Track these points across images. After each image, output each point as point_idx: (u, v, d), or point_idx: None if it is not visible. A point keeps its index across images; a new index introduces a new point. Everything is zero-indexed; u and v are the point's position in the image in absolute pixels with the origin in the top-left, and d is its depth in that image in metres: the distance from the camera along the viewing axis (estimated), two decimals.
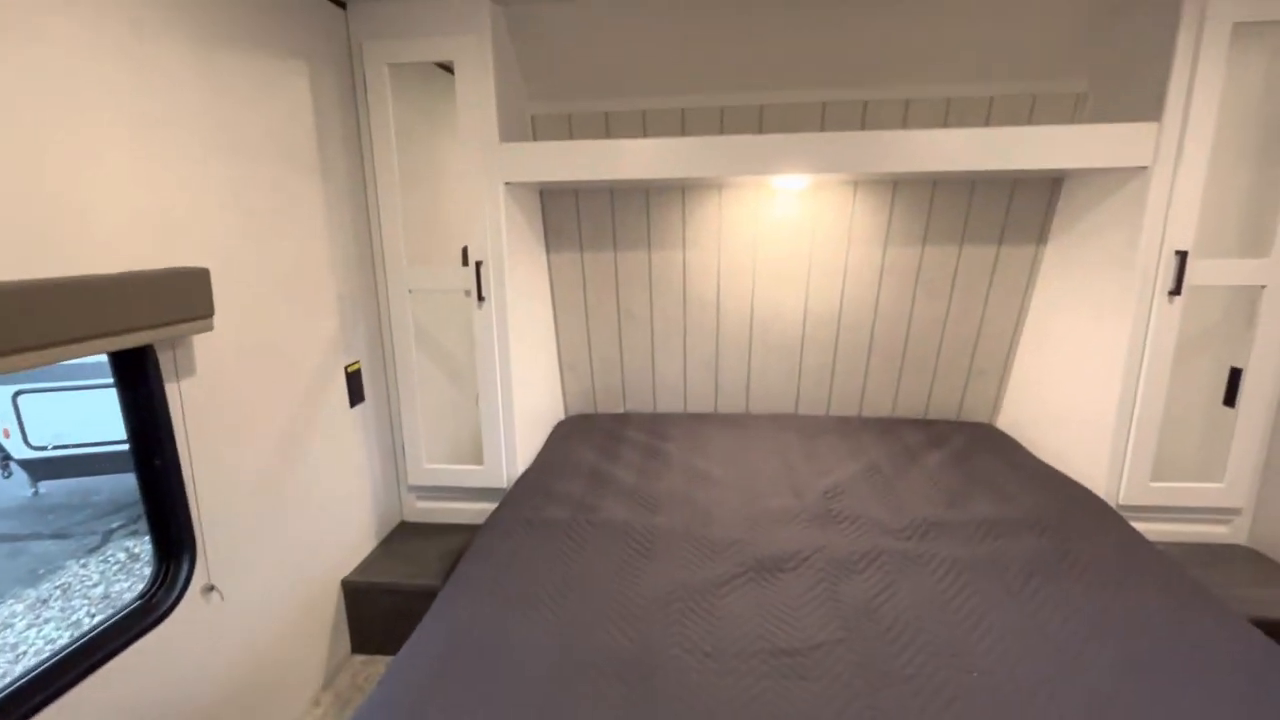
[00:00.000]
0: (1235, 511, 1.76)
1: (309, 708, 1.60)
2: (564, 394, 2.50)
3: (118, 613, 1.15)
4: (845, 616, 1.25)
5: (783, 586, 1.35)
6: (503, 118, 1.79)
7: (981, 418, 2.35)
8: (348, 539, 1.79)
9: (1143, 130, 1.58)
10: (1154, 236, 1.60)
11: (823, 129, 2.02)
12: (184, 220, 1.22)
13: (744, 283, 2.27)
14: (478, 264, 1.81)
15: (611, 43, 1.88)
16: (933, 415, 2.37)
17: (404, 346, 1.90)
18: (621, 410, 2.51)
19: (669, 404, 2.49)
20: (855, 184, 2.11)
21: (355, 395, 1.79)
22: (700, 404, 2.48)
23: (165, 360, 1.17)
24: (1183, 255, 1.58)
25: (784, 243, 2.21)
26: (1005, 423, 2.29)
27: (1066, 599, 1.28)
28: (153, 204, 1.15)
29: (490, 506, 1.82)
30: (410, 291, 1.86)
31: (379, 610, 1.77)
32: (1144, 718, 0.99)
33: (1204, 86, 1.52)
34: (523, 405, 2.01)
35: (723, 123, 2.05)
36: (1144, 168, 1.60)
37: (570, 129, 2.11)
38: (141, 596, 1.21)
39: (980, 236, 2.11)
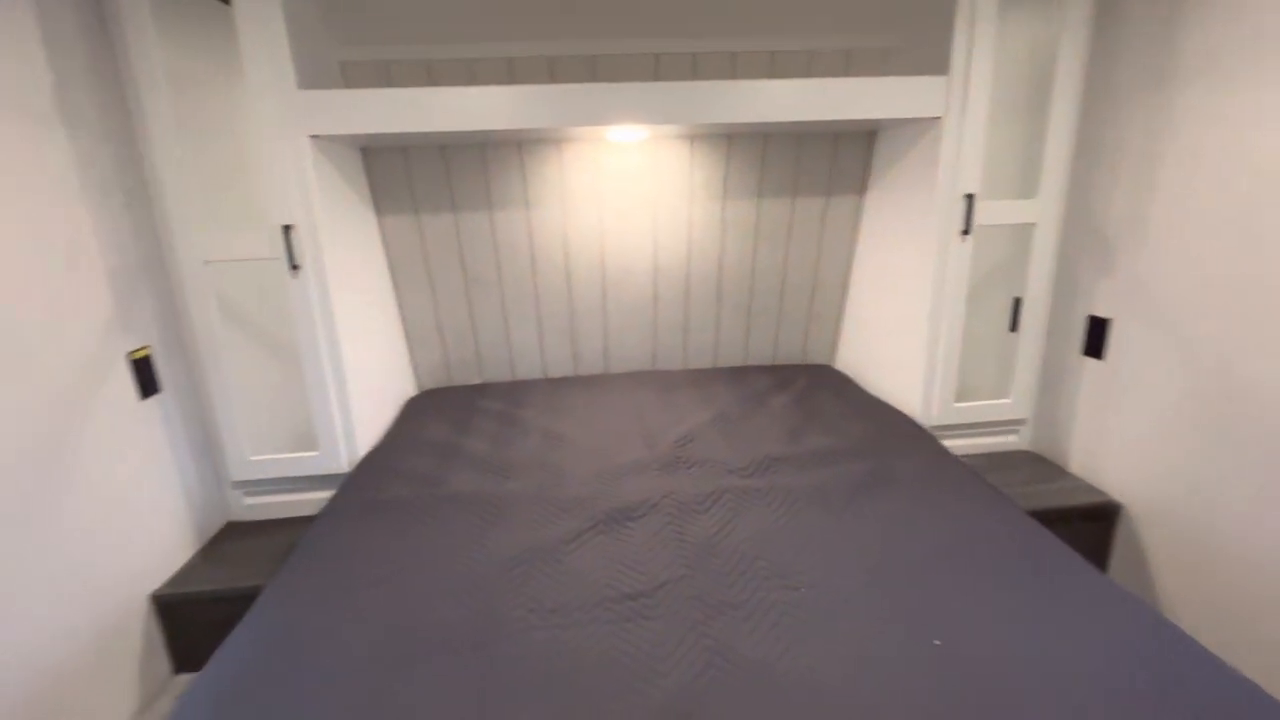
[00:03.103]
0: (1021, 422, 2.04)
1: None
2: (414, 369, 2.36)
3: None
4: (689, 556, 1.29)
5: (631, 534, 1.37)
6: (301, 62, 1.59)
7: (822, 359, 2.53)
8: (154, 550, 1.57)
9: (934, 83, 1.72)
10: (947, 181, 1.77)
11: (656, 80, 2.01)
12: None
13: (592, 243, 2.23)
14: (286, 228, 1.62)
15: None
16: (780, 360, 2.51)
17: (207, 326, 1.67)
18: (479, 381, 2.41)
19: (527, 371, 2.43)
20: (692, 139, 2.13)
21: (147, 386, 1.55)
22: (559, 368, 2.44)
23: None
24: (970, 198, 1.76)
25: (629, 200, 2.19)
26: (842, 362, 2.47)
27: (879, 513, 1.41)
28: None
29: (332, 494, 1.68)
30: (207, 263, 1.63)
31: (203, 623, 1.57)
32: (935, 604, 1.12)
33: (981, 46, 1.67)
34: (361, 382, 1.85)
35: (553, 73, 1.97)
36: (937, 118, 1.75)
37: (390, 78, 1.93)
38: None
39: (810, 189, 2.22)
